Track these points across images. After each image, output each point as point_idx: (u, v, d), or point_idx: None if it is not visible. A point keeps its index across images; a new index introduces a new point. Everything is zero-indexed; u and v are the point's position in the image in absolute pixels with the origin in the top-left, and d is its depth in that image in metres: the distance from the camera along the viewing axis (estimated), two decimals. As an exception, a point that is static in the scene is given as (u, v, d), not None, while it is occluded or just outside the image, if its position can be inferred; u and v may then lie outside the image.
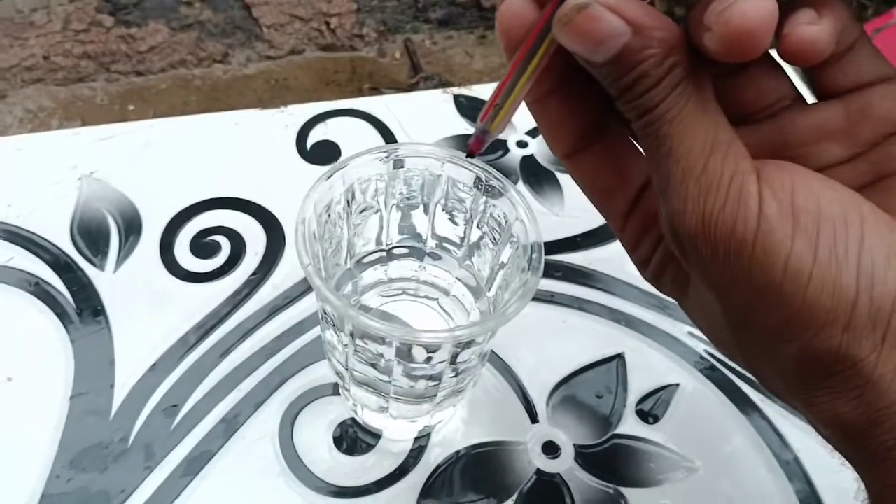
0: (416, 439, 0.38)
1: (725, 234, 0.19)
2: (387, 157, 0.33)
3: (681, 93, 0.20)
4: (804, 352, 0.19)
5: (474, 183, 0.33)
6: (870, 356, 0.19)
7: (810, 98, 0.24)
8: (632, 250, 0.27)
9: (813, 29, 0.20)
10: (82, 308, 0.42)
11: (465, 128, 0.56)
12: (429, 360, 0.31)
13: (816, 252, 0.19)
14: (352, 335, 0.30)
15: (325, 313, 0.32)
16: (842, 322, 0.19)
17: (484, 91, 0.59)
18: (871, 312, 0.18)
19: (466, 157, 0.26)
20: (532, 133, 0.55)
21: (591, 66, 0.21)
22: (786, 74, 0.23)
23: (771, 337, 0.20)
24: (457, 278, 0.36)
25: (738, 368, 0.42)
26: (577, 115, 0.24)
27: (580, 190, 0.27)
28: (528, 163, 0.53)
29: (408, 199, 0.34)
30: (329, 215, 0.32)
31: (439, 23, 1.63)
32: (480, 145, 0.25)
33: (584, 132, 0.25)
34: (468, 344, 0.31)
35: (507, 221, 0.33)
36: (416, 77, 1.56)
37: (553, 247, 0.48)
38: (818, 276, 0.18)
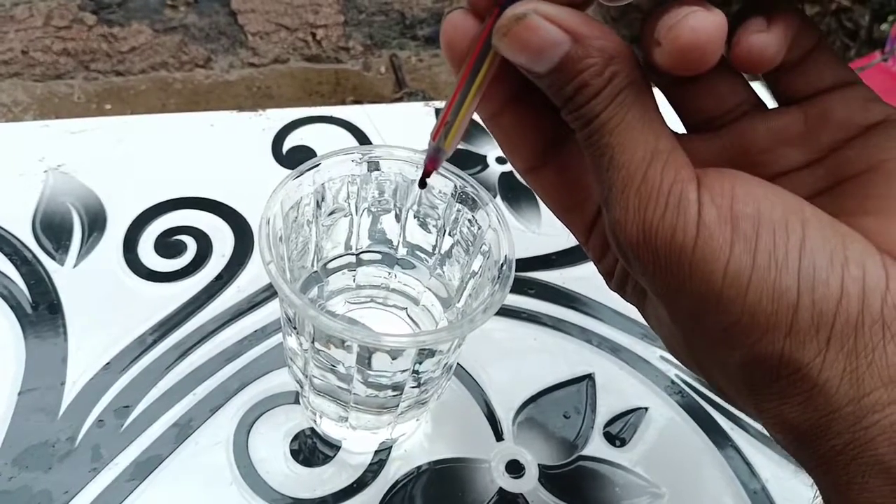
0: (377, 452, 0.37)
1: (665, 243, 0.19)
2: (361, 158, 0.32)
3: (621, 102, 0.20)
4: (748, 357, 0.19)
5: (452, 192, 0.32)
6: (814, 360, 0.18)
7: (773, 104, 0.23)
8: (597, 261, 0.27)
9: (762, 37, 0.20)
10: (38, 302, 0.40)
11: (445, 140, 0.55)
12: (391, 366, 0.30)
13: (755, 257, 0.18)
14: (312, 338, 0.29)
15: (286, 315, 0.31)
16: (783, 327, 0.18)
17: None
18: (814, 316, 0.18)
19: (422, 178, 0.26)
20: (512, 149, 0.55)
21: (535, 77, 0.21)
22: (745, 80, 0.23)
23: (716, 344, 0.20)
24: (427, 287, 0.35)
25: (709, 394, 0.41)
26: (533, 130, 0.24)
27: (543, 204, 0.26)
28: (507, 179, 0.52)
29: (380, 203, 0.34)
30: (297, 216, 0.31)
31: (426, 40, 1.63)
32: (435, 164, 0.25)
33: (543, 147, 0.24)
34: (431, 353, 0.30)
35: (479, 230, 0.32)
36: (401, 92, 1.55)
37: (528, 264, 0.47)
38: (757, 281, 0.18)
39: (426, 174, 0.25)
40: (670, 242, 0.19)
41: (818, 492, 0.21)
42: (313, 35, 1.54)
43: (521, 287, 0.45)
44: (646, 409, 0.40)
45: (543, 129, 0.24)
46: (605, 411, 0.40)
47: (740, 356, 0.19)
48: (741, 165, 0.23)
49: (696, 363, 0.23)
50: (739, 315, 0.19)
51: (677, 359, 0.25)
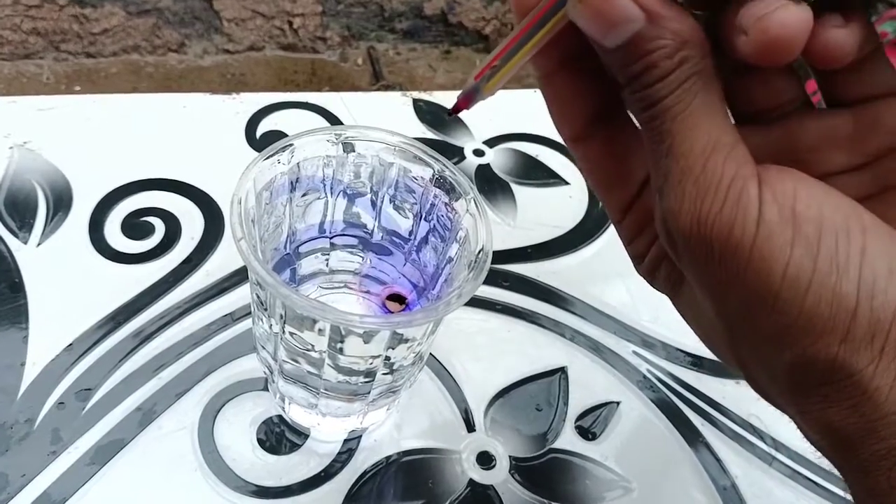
0: (346, 441, 0.36)
1: (722, 237, 0.19)
2: (336, 138, 0.31)
3: (688, 89, 0.19)
4: (799, 359, 0.19)
5: (430, 177, 0.32)
6: (867, 367, 0.18)
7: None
8: (627, 243, 0.26)
9: (841, 32, 0.20)
10: (0, 280, 0.39)
11: (423, 131, 0.54)
12: (363, 350, 0.29)
13: (817, 260, 0.18)
14: (283, 321, 0.28)
15: (257, 297, 0.30)
16: (840, 332, 0.18)
17: (446, 98, 0.58)
18: (871, 324, 0.18)
19: (449, 113, 0.25)
20: (490, 143, 0.54)
21: (602, 51, 0.20)
22: (799, 78, 0.23)
23: (766, 342, 0.20)
24: (402, 274, 0.35)
25: (681, 390, 0.41)
26: (586, 97, 0.24)
27: (582, 176, 0.26)
28: (484, 172, 0.52)
29: (356, 186, 0.33)
30: (270, 196, 0.31)
31: (405, 34, 1.62)
32: (468, 103, 0.24)
33: (593, 117, 0.24)
34: (404, 339, 0.29)
35: (457, 216, 0.31)
36: (377, 84, 1.54)
37: (504, 257, 0.46)
38: (817, 285, 0.18)
39: (456, 109, 0.24)
40: (727, 237, 0.19)
41: (850, 494, 0.20)
42: (290, 24, 1.52)
43: (495, 279, 0.45)
44: (618, 403, 0.40)
45: (596, 98, 0.24)
46: (577, 405, 0.40)
47: (791, 357, 0.19)
48: (786, 162, 0.22)
49: (735, 358, 0.23)
50: (796, 317, 0.18)
51: (712, 351, 0.25)
